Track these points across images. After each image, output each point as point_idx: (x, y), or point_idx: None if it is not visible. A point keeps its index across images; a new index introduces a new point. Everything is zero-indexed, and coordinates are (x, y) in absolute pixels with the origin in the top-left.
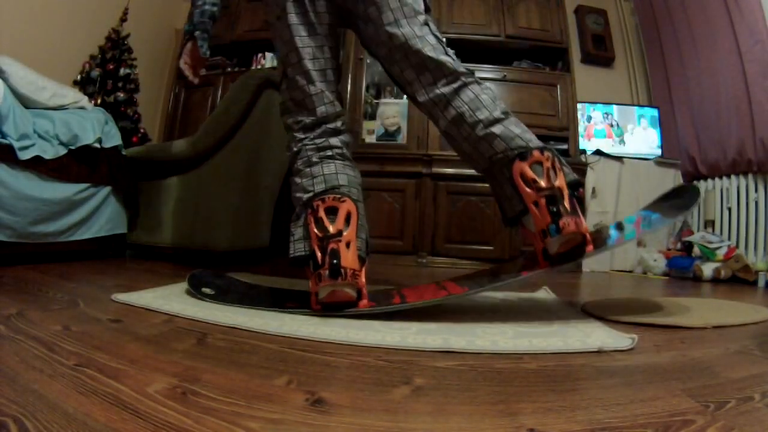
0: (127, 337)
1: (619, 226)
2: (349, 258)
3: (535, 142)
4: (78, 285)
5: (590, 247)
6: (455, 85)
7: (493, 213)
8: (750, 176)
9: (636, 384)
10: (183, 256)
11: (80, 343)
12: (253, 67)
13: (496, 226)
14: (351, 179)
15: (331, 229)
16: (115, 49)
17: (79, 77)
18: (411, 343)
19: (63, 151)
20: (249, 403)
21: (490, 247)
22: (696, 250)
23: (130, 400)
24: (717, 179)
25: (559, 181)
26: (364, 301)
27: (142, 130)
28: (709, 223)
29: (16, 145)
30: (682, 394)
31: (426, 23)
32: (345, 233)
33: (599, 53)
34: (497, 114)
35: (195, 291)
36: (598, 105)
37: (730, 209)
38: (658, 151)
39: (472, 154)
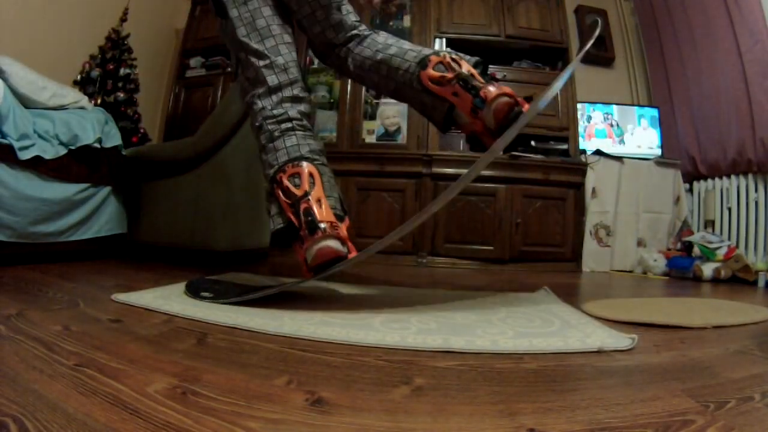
0: (127, 337)
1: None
2: (323, 213)
3: (426, 49)
4: (78, 285)
5: (525, 106)
6: (354, 34)
7: (492, 213)
8: (750, 176)
9: (636, 384)
10: (183, 256)
11: (80, 343)
12: None
13: (496, 226)
14: (313, 148)
15: (297, 192)
16: (115, 49)
17: (79, 77)
18: (411, 343)
19: (63, 151)
20: (249, 403)
21: (490, 247)
22: (696, 250)
23: (130, 400)
24: (717, 179)
25: (465, 67)
26: (353, 253)
27: (142, 130)
28: (709, 223)
29: (16, 145)
30: (682, 394)
31: None
32: (311, 193)
33: (599, 53)
34: (390, 41)
35: (194, 296)
36: (598, 105)
37: (730, 209)
38: (658, 151)
39: (379, 81)
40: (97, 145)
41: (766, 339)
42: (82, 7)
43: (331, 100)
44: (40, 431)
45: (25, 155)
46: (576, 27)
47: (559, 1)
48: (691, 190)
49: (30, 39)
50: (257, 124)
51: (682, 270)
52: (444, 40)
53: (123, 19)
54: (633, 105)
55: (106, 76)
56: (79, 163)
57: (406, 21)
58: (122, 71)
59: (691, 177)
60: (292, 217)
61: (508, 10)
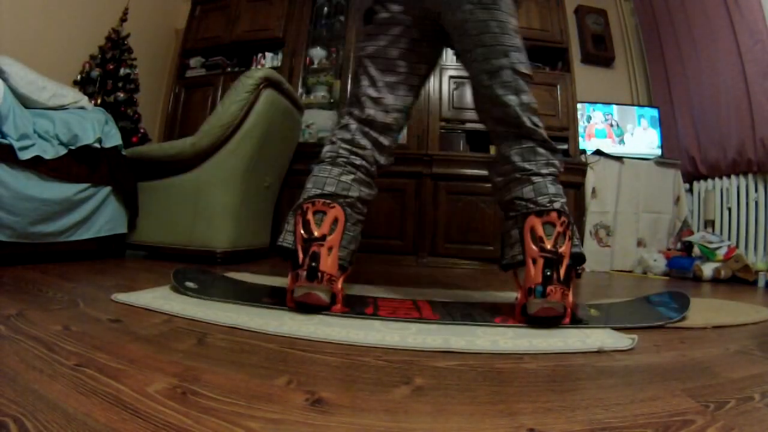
0: (127, 337)
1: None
2: (328, 263)
3: (558, 205)
4: (78, 285)
5: (567, 320)
6: (523, 140)
7: (493, 213)
8: (750, 176)
9: (636, 384)
10: (183, 256)
11: (80, 343)
12: (253, 67)
13: (496, 226)
14: (361, 196)
15: (316, 232)
16: (115, 49)
17: (79, 77)
18: (411, 343)
19: (63, 151)
20: (249, 403)
21: (490, 247)
22: (696, 250)
23: (130, 400)
24: (717, 179)
25: (564, 249)
26: (338, 306)
27: (142, 130)
28: (709, 223)
29: (16, 145)
30: (682, 394)
31: (528, 81)
32: (329, 238)
33: (599, 53)
34: (543, 171)
35: (178, 285)
36: (598, 105)
37: (730, 209)
38: (658, 151)
39: (502, 188)
40: (97, 145)
41: (766, 339)
42: (82, 7)
43: (331, 100)
44: (40, 431)
45: (25, 155)
46: (576, 27)
47: (559, 1)
48: (691, 190)
49: (30, 39)
50: (334, 137)
51: (682, 270)
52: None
53: (123, 19)
54: (633, 105)
55: (106, 76)
56: (79, 163)
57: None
58: (122, 71)
59: (691, 177)
60: (300, 251)
61: None
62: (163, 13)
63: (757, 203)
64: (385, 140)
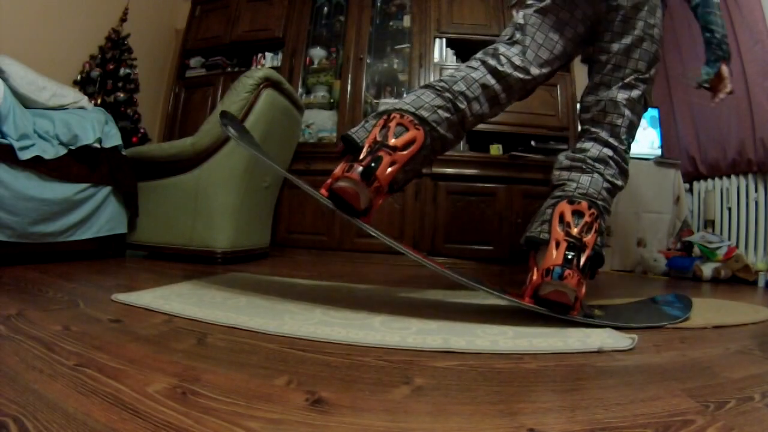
0: (127, 337)
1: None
2: (385, 173)
3: (593, 198)
4: (78, 285)
5: (575, 312)
6: (608, 140)
7: (492, 213)
8: (750, 176)
9: (636, 384)
10: (183, 256)
11: (80, 343)
12: (253, 67)
13: (495, 226)
14: (448, 137)
15: (389, 142)
16: (115, 49)
17: (79, 77)
18: (411, 343)
19: (63, 151)
20: (249, 403)
21: (490, 247)
22: (696, 250)
23: (130, 400)
24: (717, 179)
25: (589, 239)
26: (369, 218)
27: (142, 130)
28: (709, 223)
29: (16, 145)
30: (682, 394)
31: (643, 92)
32: (398, 152)
33: None
34: (607, 176)
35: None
36: None
37: (730, 209)
38: (658, 151)
39: (562, 168)
40: (97, 145)
41: (766, 339)
42: (82, 7)
43: (331, 100)
44: (40, 431)
45: (25, 155)
46: None
47: None
48: (691, 190)
49: (30, 39)
50: (457, 73)
51: (682, 270)
52: (444, 39)
53: (123, 19)
54: None
55: (106, 76)
56: (79, 163)
57: (406, 21)
58: (122, 71)
59: (691, 177)
60: (366, 148)
61: (508, 9)
62: (163, 13)
63: (757, 203)
64: (492, 105)
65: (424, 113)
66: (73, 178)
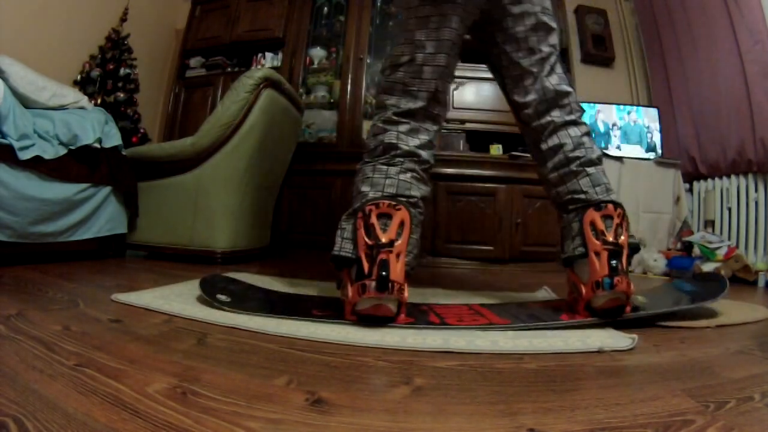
0: (127, 337)
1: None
2: (397, 271)
3: (614, 196)
4: (78, 285)
5: (628, 309)
6: (567, 118)
7: (492, 213)
8: (750, 176)
9: (636, 384)
10: (183, 256)
11: (80, 343)
12: (253, 67)
13: (496, 226)
14: (423, 194)
15: (383, 238)
16: (115, 49)
17: (79, 77)
18: (411, 343)
19: (63, 151)
20: (249, 403)
21: (490, 247)
22: (696, 250)
23: (130, 400)
24: (717, 179)
25: (623, 240)
26: (402, 316)
27: (142, 130)
28: (709, 223)
29: (16, 145)
30: (682, 394)
31: (558, 55)
32: (396, 243)
33: (599, 53)
34: (593, 157)
35: (210, 298)
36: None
37: (730, 209)
38: (659, 151)
39: (557, 183)
40: (97, 145)
41: (766, 339)
42: (82, 7)
43: (331, 100)
44: (40, 431)
45: (25, 155)
46: (576, 27)
47: (559, 1)
48: (691, 190)
49: (30, 39)
50: (386, 140)
51: (682, 270)
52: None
53: (123, 19)
54: (633, 105)
55: (106, 76)
56: (79, 163)
57: None
58: (122, 71)
59: (691, 177)
60: (365, 260)
61: None
62: (163, 13)
63: (757, 203)
64: (432, 136)
65: (391, 190)
66: (73, 178)
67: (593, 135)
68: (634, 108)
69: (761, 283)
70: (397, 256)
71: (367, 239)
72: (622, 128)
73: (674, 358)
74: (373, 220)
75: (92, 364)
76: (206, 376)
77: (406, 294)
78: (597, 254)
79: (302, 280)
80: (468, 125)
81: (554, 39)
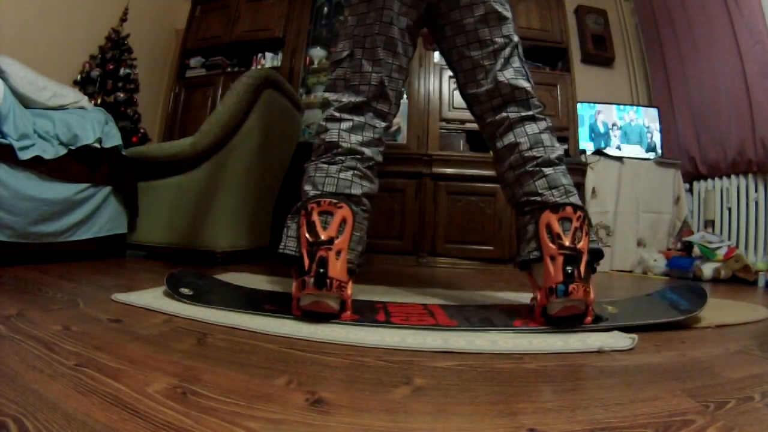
0: (127, 337)
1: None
2: (337, 268)
3: (574, 198)
4: (78, 285)
5: (588, 319)
6: (523, 114)
7: (492, 213)
8: (750, 176)
9: (636, 384)
10: (183, 256)
11: (80, 343)
12: (253, 67)
13: (496, 226)
14: (365, 191)
15: (323, 235)
16: (115, 49)
17: (79, 77)
18: (411, 343)
19: (63, 151)
20: (249, 403)
21: (490, 247)
22: (696, 250)
23: (130, 400)
24: (717, 179)
25: (582, 245)
26: (348, 313)
27: (142, 130)
28: (709, 223)
29: (16, 145)
30: (682, 394)
31: (515, 47)
32: (337, 241)
33: (599, 53)
34: (552, 157)
35: (172, 291)
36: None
37: (730, 209)
38: (659, 151)
39: (512, 183)
40: (97, 145)
41: (766, 339)
42: (82, 7)
43: None
44: (40, 431)
45: (25, 155)
46: (576, 27)
47: (559, 1)
48: (691, 190)
49: (30, 39)
50: (327, 138)
51: (682, 270)
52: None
53: (123, 19)
54: (633, 105)
55: (106, 76)
56: (79, 163)
57: None
58: (122, 71)
59: (691, 177)
60: (305, 257)
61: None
62: (163, 13)
63: (757, 203)
64: (378, 134)
65: (330, 188)
66: (73, 178)
67: (591, 135)
68: (634, 108)
69: (761, 283)
70: (337, 253)
71: (308, 236)
72: (622, 128)
73: (674, 358)
74: (314, 217)
75: (92, 364)
76: (206, 376)
77: (348, 291)
78: (552, 258)
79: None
80: (468, 125)
81: (508, 29)
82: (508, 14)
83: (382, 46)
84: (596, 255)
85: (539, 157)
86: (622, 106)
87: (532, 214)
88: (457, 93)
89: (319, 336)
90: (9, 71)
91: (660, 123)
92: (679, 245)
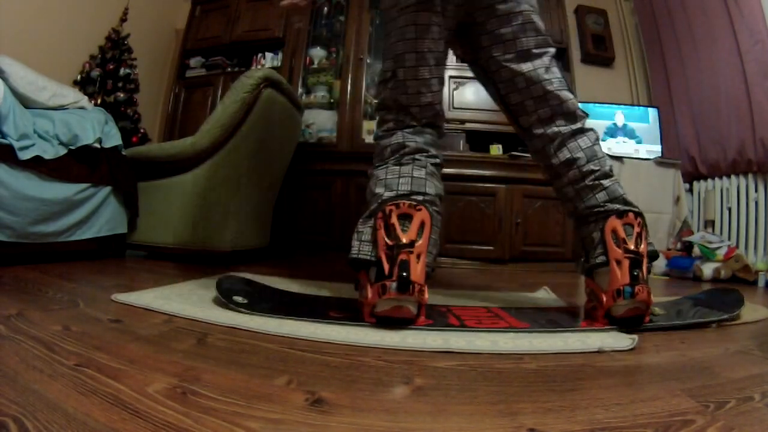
0: (127, 337)
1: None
2: (417, 271)
3: (633, 205)
4: (78, 285)
5: (647, 319)
6: (573, 128)
7: (492, 213)
8: (750, 176)
9: (636, 384)
10: (183, 256)
11: (80, 343)
12: (253, 67)
13: (496, 226)
14: (438, 192)
15: (404, 238)
16: (115, 49)
17: (79, 77)
18: (411, 343)
19: (63, 151)
20: (249, 403)
21: (490, 247)
22: (696, 250)
23: (130, 400)
24: (717, 179)
25: (643, 248)
26: (422, 318)
27: (142, 130)
28: (709, 223)
29: (16, 145)
30: (682, 394)
31: (553, 56)
32: (417, 244)
33: (599, 53)
34: (607, 169)
35: (226, 300)
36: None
37: (730, 209)
38: (659, 151)
39: (573, 197)
40: (97, 145)
41: (766, 339)
42: (82, 7)
43: (331, 100)
44: (40, 431)
45: (25, 155)
46: (576, 27)
47: (559, 1)
48: (691, 190)
49: (30, 39)
50: (395, 140)
51: (682, 270)
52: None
53: (123, 19)
54: (633, 105)
55: (106, 76)
56: (79, 163)
57: None
58: (122, 71)
59: (691, 177)
60: (384, 260)
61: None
62: (163, 13)
63: (757, 203)
64: (437, 136)
65: (405, 188)
66: (73, 178)
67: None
68: (634, 108)
69: (761, 283)
70: (418, 256)
71: (387, 240)
72: (622, 128)
73: (674, 358)
74: (394, 220)
75: (92, 364)
76: (206, 376)
77: (426, 296)
78: (618, 262)
79: (311, 281)
80: (468, 125)
81: (546, 40)
82: (542, 25)
83: (425, 64)
84: (653, 257)
85: (597, 170)
86: (622, 106)
87: (597, 222)
88: (457, 93)
89: (319, 336)
90: (9, 71)
91: (660, 123)
92: (679, 245)
